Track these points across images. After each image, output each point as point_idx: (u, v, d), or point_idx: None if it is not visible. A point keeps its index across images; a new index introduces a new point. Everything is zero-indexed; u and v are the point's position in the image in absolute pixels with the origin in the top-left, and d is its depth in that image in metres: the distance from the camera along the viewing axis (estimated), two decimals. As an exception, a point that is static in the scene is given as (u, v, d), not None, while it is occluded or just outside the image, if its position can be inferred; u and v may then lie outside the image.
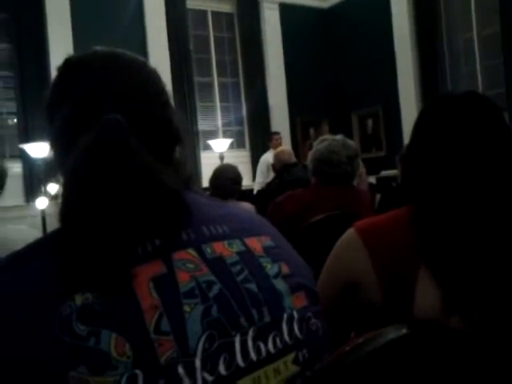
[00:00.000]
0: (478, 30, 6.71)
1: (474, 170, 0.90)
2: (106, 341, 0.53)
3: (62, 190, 0.63)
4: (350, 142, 2.43)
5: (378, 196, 3.45)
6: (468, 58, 6.84)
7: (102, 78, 0.70)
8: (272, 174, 4.46)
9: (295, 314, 0.65)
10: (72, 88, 0.70)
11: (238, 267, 0.64)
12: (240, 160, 6.91)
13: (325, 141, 2.40)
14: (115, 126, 0.63)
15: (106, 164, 0.60)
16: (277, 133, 6.63)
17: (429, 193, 0.93)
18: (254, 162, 7.67)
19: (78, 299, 0.55)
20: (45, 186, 5.61)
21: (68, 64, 0.74)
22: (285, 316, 0.64)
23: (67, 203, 0.62)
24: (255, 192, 5.40)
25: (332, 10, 8.53)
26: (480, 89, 6.53)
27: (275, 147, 5.64)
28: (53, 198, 6.01)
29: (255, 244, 0.69)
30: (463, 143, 0.92)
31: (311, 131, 8.23)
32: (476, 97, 0.97)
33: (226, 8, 7.94)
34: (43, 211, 5.32)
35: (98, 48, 0.75)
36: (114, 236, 0.58)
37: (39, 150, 5.38)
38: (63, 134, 0.70)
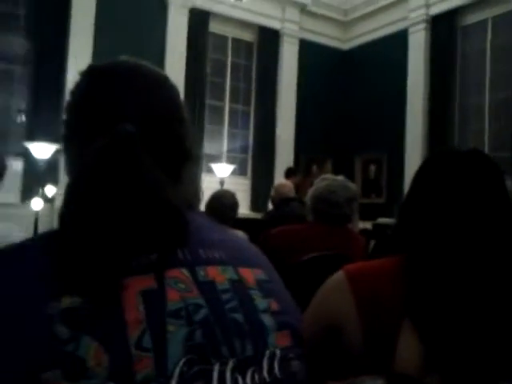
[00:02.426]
0: (490, 92, 6.82)
1: (468, 229, 0.90)
2: (85, 348, 0.52)
3: (65, 192, 0.62)
4: (351, 184, 2.44)
5: (373, 242, 3.44)
6: (478, 118, 6.93)
7: (123, 87, 0.71)
8: None
9: (278, 353, 0.64)
10: (93, 94, 0.71)
11: (228, 295, 0.64)
12: (240, 187, 6.93)
13: (325, 180, 2.42)
14: (126, 137, 0.63)
15: (112, 174, 0.61)
16: (300, 171, 6.60)
17: (420, 246, 0.93)
18: (254, 190, 7.68)
19: (65, 301, 0.55)
20: (43, 187, 5.60)
21: (92, 70, 0.75)
22: (267, 353, 0.63)
23: (68, 207, 0.61)
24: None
25: (351, 52, 8.70)
26: (486, 149, 6.59)
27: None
28: (49, 200, 6.00)
29: (248, 275, 0.68)
30: (460, 201, 0.92)
31: (314, 168, 8.27)
32: (480, 156, 0.97)
33: (247, 36, 8.10)
34: (37, 213, 5.30)
35: (124, 58, 0.77)
36: (109, 244, 0.58)
37: (43, 150, 5.40)
38: (77, 137, 0.71)
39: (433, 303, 0.84)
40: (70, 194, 0.62)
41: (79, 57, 6.02)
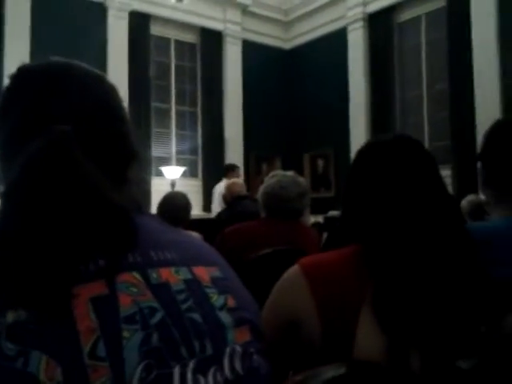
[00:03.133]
0: (427, 84, 7.08)
1: (403, 214, 0.93)
2: (36, 363, 0.50)
3: (2, 201, 0.59)
4: (301, 179, 2.47)
5: (325, 234, 3.51)
6: (417, 110, 7.18)
7: (55, 87, 0.68)
8: None
9: (238, 349, 0.63)
10: (23, 96, 0.68)
11: (183, 296, 0.62)
12: (191, 189, 6.88)
13: (275, 176, 2.43)
14: (61, 137, 0.60)
15: (48, 177, 0.58)
16: (238, 167, 6.61)
17: (369, 235, 0.95)
18: (206, 191, 7.65)
19: (10, 316, 0.52)
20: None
21: (21, 72, 0.72)
22: (227, 350, 0.62)
23: (6, 216, 0.58)
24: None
25: (293, 51, 8.80)
26: (426, 139, 6.85)
27: (230, 179, 5.59)
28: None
29: (203, 273, 0.67)
30: (391, 185, 0.96)
31: (264, 166, 8.32)
32: (405, 141, 1.02)
33: (190, 38, 8.04)
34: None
35: (55, 58, 0.74)
36: (53, 252, 0.55)
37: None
38: (11, 142, 0.67)
39: (395, 291, 0.85)
40: (7, 202, 0.59)
41: (16, 62, 5.78)
